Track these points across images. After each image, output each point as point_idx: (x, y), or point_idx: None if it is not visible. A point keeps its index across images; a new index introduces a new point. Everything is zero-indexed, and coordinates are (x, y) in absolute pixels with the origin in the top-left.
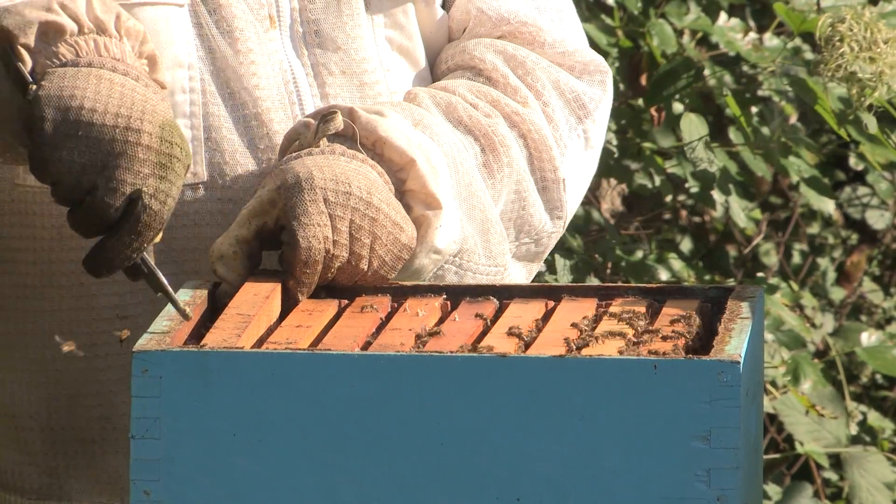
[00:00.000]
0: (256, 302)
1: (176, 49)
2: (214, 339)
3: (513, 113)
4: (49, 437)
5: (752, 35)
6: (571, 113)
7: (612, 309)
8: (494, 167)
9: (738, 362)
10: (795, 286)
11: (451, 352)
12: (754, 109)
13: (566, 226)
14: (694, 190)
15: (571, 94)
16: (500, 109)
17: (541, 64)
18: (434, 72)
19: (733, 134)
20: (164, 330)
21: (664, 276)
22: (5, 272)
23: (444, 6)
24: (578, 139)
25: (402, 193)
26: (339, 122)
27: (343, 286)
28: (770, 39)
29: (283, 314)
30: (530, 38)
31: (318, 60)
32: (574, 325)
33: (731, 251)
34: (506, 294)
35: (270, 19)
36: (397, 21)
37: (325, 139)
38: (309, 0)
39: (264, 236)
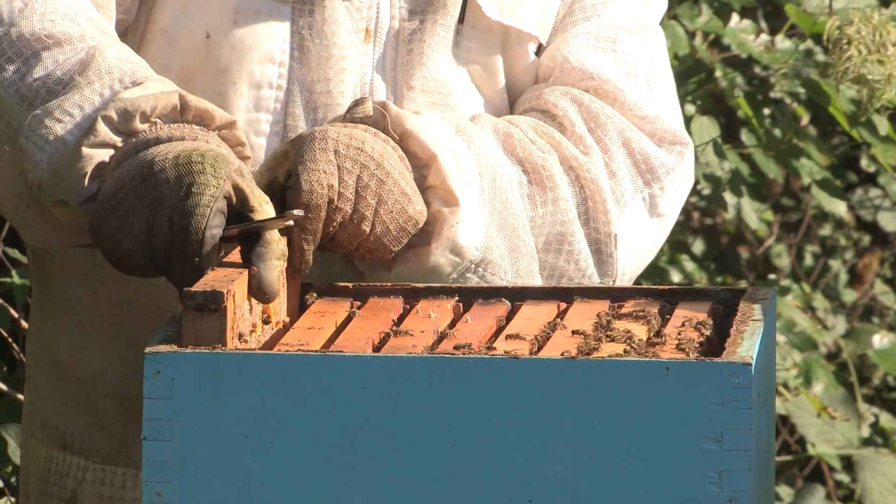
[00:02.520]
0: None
1: (271, 45)
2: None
3: (571, 157)
4: (121, 404)
5: (764, 37)
6: (639, 175)
7: (624, 310)
8: (538, 200)
9: (750, 364)
10: (807, 288)
11: (464, 353)
12: (766, 111)
13: (619, 283)
14: (706, 192)
15: (641, 156)
16: (559, 151)
17: (615, 119)
18: (511, 113)
19: (745, 136)
20: (176, 331)
21: (676, 277)
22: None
23: (537, 53)
24: (643, 203)
25: (423, 190)
26: (367, 107)
27: (343, 248)
28: (782, 41)
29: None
30: (612, 97)
31: (400, 78)
32: (585, 330)
33: (743, 253)
34: (518, 296)
35: (367, 32)
36: (481, 56)
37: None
38: (408, 20)
39: (274, 191)
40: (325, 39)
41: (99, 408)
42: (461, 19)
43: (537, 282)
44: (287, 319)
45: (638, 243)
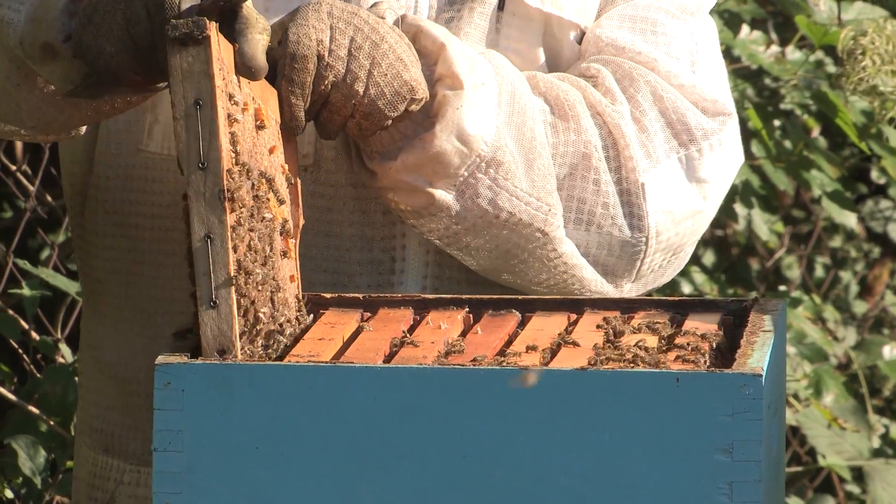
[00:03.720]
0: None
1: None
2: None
3: (596, 102)
4: None
5: (775, 48)
6: (674, 135)
7: (634, 321)
8: (560, 128)
9: (761, 375)
10: (818, 299)
11: (474, 364)
12: (776, 123)
13: (655, 245)
14: None
15: (676, 115)
16: (585, 96)
17: (649, 78)
18: None
19: (755, 147)
20: (187, 342)
21: (687, 289)
22: (124, 236)
23: (579, 42)
24: (679, 164)
25: (433, 84)
26: (381, 8)
27: (338, 113)
28: (792, 52)
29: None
30: (648, 67)
31: None
32: (595, 341)
33: (754, 264)
34: (529, 307)
35: None
36: (522, 44)
37: None
38: (446, 9)
39: (271, 60)
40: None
41: (136, 408)
42: (501, 7)
43: (556, 202)
44: (286, 166)
45: (673, 203)
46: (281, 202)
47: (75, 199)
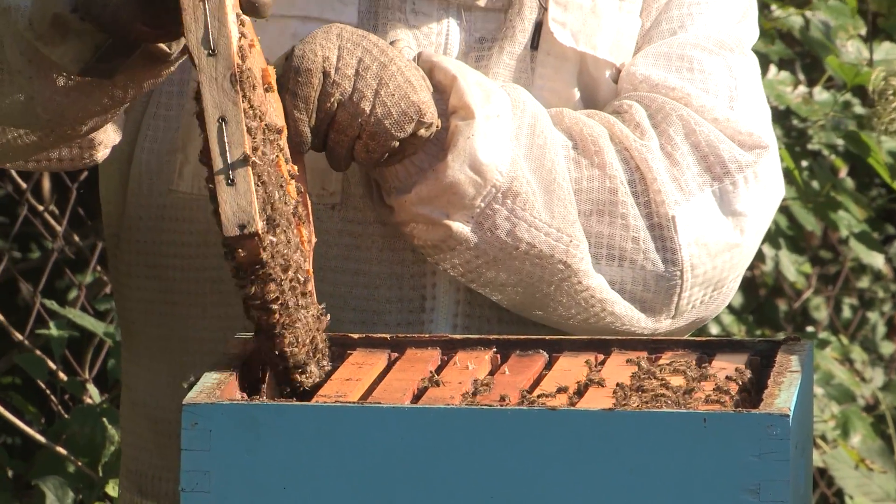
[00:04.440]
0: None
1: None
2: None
3: (623, 137)
4: None
5: (802, 88)
6: (707, 168)
7: (661, 361)
8: (584, 163)
9: (788, 415)
10: (845, 340)
11: (501, 405)
12: (804, 163)
13: (692, 280)
14: None
15: (709, 147)
16: (611, 131)
17: (681, 112)
18: None
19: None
20: (214, 383)
21: (714, 329)
22: (156, 277)
23: (615, 80)
24: (713, 196)
25: (447, 118)
26: (398, 45)
27: (345, 133)
28: (820, 93)
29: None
30: (682, 102)
31: None
32: (622, 381)
33: (782, 305)
34: (556, 347)
35: None
36: (556, 83)
37: None
38: (476, 48)
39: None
40: None
41: (167, 449)
42: (535, 46)
43: (578, 232)
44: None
45: (707, 236)
46: (287, 161)
47: (111, 240)
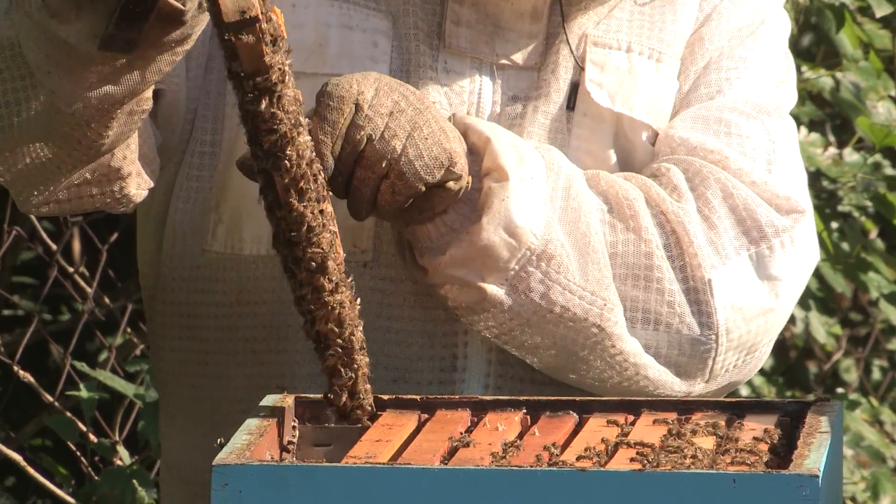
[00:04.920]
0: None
1: None
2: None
3: (660, 200)
4: None
5: (832, 150)
6: (744, 232)
7: (691, 422)
8: (619, 227)
9: (817, 476)
10: (875, 402)
11: (531, 466)
12: (834, 225)
13: (727, 344)
14: None
15: (746, 212)
16: (647, 194)
17: (718, 175)
18: None
19: None
20: (245, 443)
21: (744, 391)
22: (189, 337)
23: (652, 143)
24: (750, 261)
25: (480, 179)
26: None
27: (371, 169)
28: (850, 154)
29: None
30: (720, 165)
31: None
32: (652, 442)
33: (812, 367)
34: (586, 408)
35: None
36: (592, 143)
37: None
38: (510, 105)
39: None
40: None
41: None
42: (571, 106)
43: (613, 295)
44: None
45: (743, 300)
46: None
47: (147, 301)
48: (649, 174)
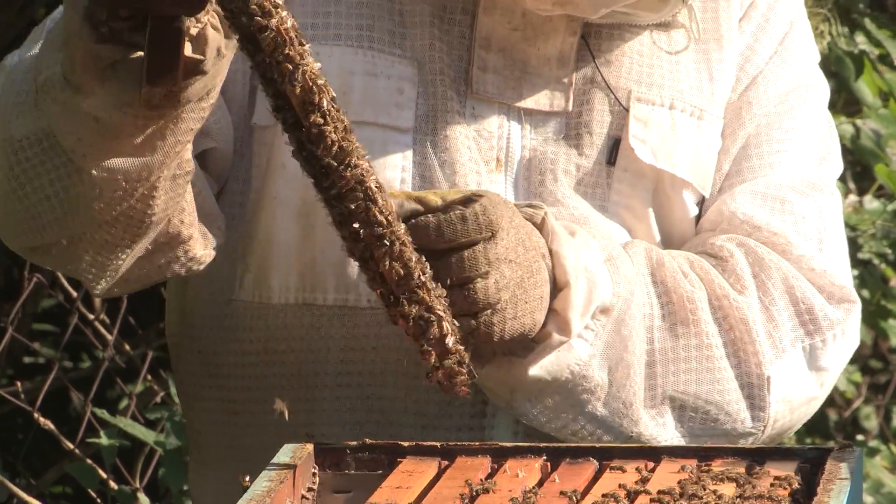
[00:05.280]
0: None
1: (388, 174)
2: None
3: (722, 295)
4: None
5: (853, 197)
6: (801, 324)
7: (711, 469)
8: (680, 332)
9: None
10: (895, 449)
11: None
12: (854, 272)
13: (770, 432)
14: None
15: (805, 304)
16: (709, 288)
17: (780, 266)
18: None
19: None
20: (265, 490)
21: None
22: (216, 386)
23: (698, 204)
24: (803, 352)
25: (545, 312)
26: (538, 216)
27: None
28: (870, 202)
29: None
30: (780, 248)
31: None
32: (672, 489)
33: (832, 414)
34: (606, 455)
35: (497, 162)
36: (632, 199)
37: None
38: (542, 146)
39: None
40: (449, 167)
41: None
42: (613, 162)
43: (641, 426)
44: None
45: (793, 393)
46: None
47: (173, 350)
48: (712, 252)
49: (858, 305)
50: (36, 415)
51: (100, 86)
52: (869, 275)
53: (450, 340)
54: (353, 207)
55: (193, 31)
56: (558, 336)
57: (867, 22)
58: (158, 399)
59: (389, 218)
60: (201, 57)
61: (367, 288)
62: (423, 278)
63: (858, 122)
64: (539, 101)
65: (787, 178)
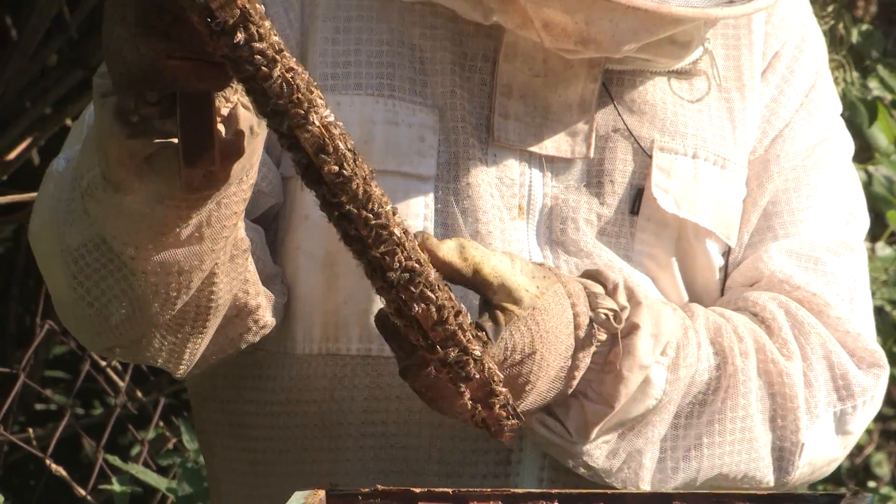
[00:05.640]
0: None
1: (410, 222)
2: None
3: (771, 360)
4: None
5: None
6: (834, 389)
7: None
8: (729, 404)
9: None
10: None
11: None
12: None
13: (789, 487)
14: None
15: (840, 371)
16: (760, 354)
17: (819, 331)
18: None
19: None
20: None
21: None
22: (238, 436)
23: (724, 255)
24: (833, 417)
25: (619, 341)
26: (610, 278)
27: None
28: (882, 248)
29: None
30: (817, 309)
31: (559, 258)
32: None
33: (844, 461)
34: (618, 501)
35: (519, 209)
36: (656, 248)
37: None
38: (563, 193)
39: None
40: (471, 215)
41: None
42: (636, 211)
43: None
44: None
45: (819, 457)
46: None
47: (194, 398)
48: (755, 311)
49: (887, 371)
50: (48, 461)
51: (139, 181)
52: (881, 322)
53: (494, 381)
54: (380, 254)
55: (224, 111)
56: (593, 407)
57: (880, 68)
58: (171, 445)
59: (420, 261)
60: (234, 137)
61: None
62: (460, 319)
63: (871, 168)
64: (560, 147)
65: (820, 236)
